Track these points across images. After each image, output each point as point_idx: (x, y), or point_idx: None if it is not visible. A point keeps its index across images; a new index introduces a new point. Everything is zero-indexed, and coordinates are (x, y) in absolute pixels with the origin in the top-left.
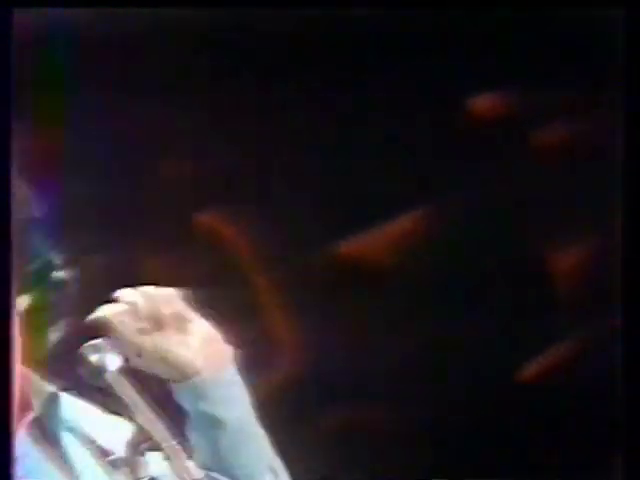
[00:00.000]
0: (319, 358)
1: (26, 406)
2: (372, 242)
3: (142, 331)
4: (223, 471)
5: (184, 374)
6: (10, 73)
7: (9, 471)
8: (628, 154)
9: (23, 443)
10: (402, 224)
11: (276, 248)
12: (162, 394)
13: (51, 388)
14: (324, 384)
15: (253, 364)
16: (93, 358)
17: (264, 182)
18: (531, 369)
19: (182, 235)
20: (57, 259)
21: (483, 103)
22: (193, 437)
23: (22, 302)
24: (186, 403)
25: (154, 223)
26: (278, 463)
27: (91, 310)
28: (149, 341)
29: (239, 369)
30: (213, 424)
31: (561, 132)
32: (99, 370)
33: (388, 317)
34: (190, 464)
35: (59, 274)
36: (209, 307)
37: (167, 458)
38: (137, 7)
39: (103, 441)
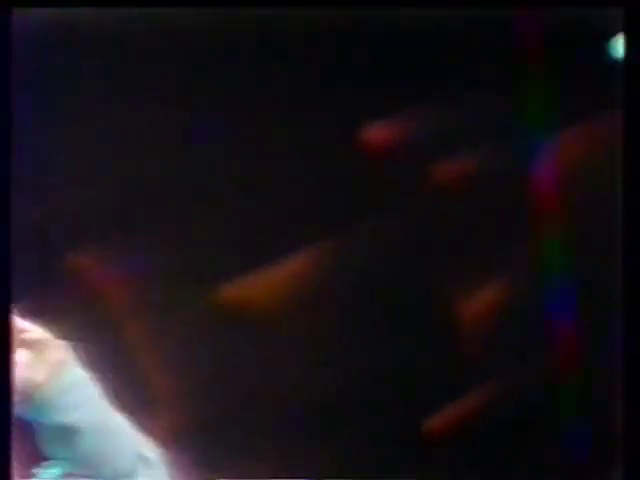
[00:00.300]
0: (199, 409)
1: None
2: (259, 285)
3: None
4: (92, 474)
5: (25, 394)
6: (10, 73)
7: None
8: (628, 154)
9: None
10: (292, 264)
11: (152, 293)
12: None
13: None
14: (205, 436)
15: (128, 416)
16: None
17: (141, 224)
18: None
19: (52, 277)
20: None
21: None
22: (51, 449)
23: None
24: (35, 418)
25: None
26: (148, 449)
27: None
28: None
29: (81, 365)
30: (69, 431)
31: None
32: None
33: (277, 365)
34: None
35: None
36: (81, 355)
37: None
38: (137, 7)
39: None
